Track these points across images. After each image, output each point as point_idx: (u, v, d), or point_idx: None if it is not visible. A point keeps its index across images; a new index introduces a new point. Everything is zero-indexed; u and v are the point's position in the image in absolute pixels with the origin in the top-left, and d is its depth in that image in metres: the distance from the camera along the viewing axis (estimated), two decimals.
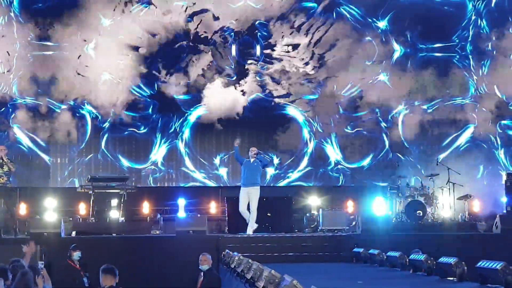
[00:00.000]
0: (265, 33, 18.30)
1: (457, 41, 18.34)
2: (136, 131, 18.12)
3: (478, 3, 18.17)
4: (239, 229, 14.28)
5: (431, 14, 18.19)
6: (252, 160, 13.96)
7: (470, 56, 18.28)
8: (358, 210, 15.79)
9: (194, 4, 17.97)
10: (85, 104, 17.70)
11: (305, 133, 18.32)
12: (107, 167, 17.83)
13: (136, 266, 12.16)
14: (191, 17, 18.07)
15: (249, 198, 13.75)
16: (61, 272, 11.02)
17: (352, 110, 18.36)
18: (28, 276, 8.10)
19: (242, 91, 18.15)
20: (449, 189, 15.75)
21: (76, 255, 11.01)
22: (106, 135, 17.98)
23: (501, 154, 17.69)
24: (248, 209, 13.76)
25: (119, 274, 10.89)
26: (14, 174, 13.87)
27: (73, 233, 13.32)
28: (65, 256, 11.18)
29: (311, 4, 18.33)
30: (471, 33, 18.27)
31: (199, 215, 14.96)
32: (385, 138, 18.25)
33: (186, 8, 17.98)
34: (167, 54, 18.19)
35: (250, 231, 13.68)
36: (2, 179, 13.41)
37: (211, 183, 18.11)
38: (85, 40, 17.66)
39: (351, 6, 18.26)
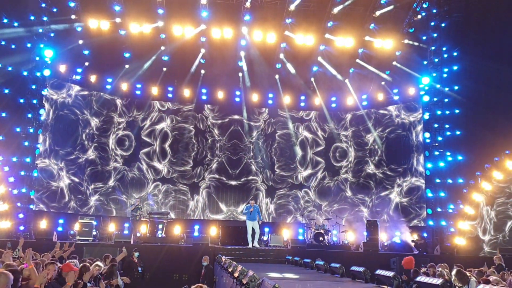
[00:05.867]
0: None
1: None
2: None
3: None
4: (226, 243, 14.09)
5: None
6: (252, 207, 13.50)
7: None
8: (289, 236, 15.77)
9: None
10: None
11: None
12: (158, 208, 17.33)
13: (169, 260, 11.93)
14: None
15: (253, 226, 13.31)
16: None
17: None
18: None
19: None
20: (336, 226, 15.85)
21: (136, 254, 10.71)
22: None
23: (364, 212, 17.82)
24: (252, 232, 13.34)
25: (161, 266, 10.65)
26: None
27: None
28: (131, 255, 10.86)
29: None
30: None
31: (205, 235, 14.84)
32: (301, 202, 18.24)
33: None
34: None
35: (256, 244, 13.28)
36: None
37: (212, 218, 17.66)
38: None
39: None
